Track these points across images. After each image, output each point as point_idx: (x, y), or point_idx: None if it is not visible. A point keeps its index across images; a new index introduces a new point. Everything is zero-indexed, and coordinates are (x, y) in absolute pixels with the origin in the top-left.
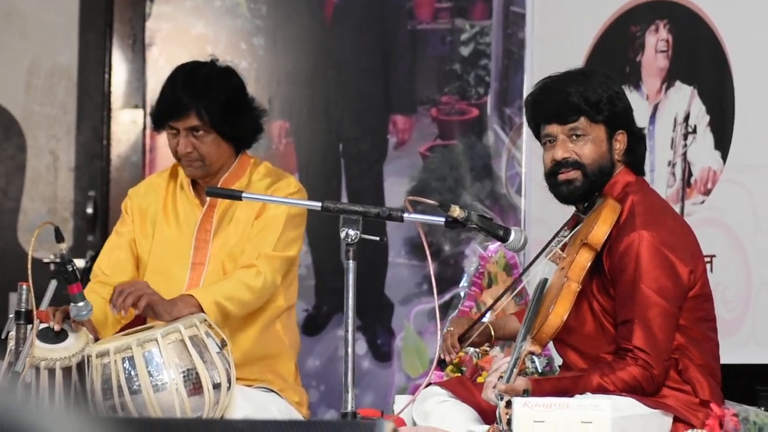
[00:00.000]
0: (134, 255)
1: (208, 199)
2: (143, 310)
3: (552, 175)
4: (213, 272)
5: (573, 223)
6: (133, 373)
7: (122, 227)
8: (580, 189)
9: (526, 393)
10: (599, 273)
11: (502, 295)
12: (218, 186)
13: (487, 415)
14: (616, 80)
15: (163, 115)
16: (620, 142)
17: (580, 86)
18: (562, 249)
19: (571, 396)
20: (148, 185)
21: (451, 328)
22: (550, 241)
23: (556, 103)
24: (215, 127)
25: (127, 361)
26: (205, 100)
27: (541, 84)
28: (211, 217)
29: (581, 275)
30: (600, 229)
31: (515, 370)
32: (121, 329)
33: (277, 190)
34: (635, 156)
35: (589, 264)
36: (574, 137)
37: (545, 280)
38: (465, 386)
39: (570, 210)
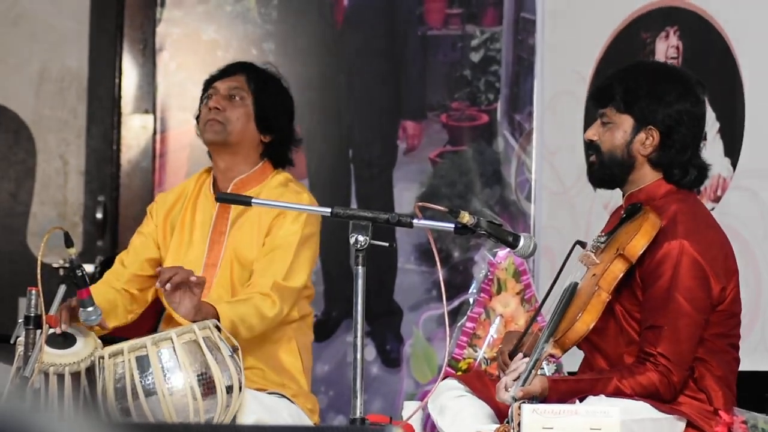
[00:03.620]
0: (155, 252)
1: None
2: (176, 293)
3: (586, 156)
4: (224, 274)
5: (610, 227)
6: (147, 371)
7: (144, 228)
8: (596, 173)
9: (535, 399)
10: (627, 277)
11: (540, 305)
12: (232, 185)
13: (502, 413)
14: (686, 83)
15: (213, 78)
16: (650, 137)
17: (625, 76)
18: (596, 253)
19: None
20: (176, 191)
21: (501, 346)
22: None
23: (598, 86)
24: (255, 94)
25: (141, 360)
26: (259, 73)
27: None
28: (226, 219)
29: (612, 285)
30: (638, 243)
31: (534, 372)
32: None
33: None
34: (664, 158)
35: (622, 275)
36: (603, 123)
37: (575, 284)
38: (482, 381)
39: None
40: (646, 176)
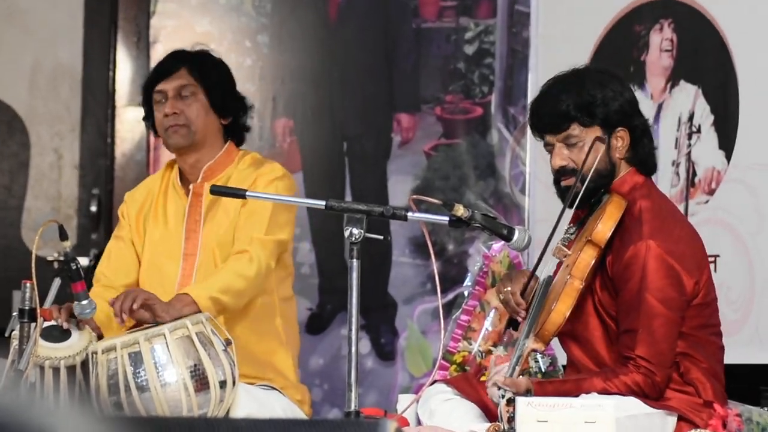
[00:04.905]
0: (136, 257)
1: (190, 187)
2: (140, 312)
3: (556, 182)
4: (205, 262)
5: (578, 219)
6: (140, 367)
7: (120, 231)
8: (583, 194)
9: (529, 393)
10: (602, 271)
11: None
12: (202, 173)
13: (492, 412)
14: (615, 75)
15: (153, 80)
16: (621, 139)
17: (570, 92)
18: (567, 246)
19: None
20: (143, 189)
21: (509, 288)
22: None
23: (547, 113)
24: (205, 84)
25: (134, 356)
26: (197, 61)
27: (538, 93)
28: (200, 207)
29: (585, 273)
30: (604, 226)
31: (518, 368)
32: (128, 330)
33: (260, 177)
34: (639, 151)
35: (594, 261)
36: (569, 144)
37: (549, 278)
38: (470, 383)
39: (571, 211)
40: (621, 173)
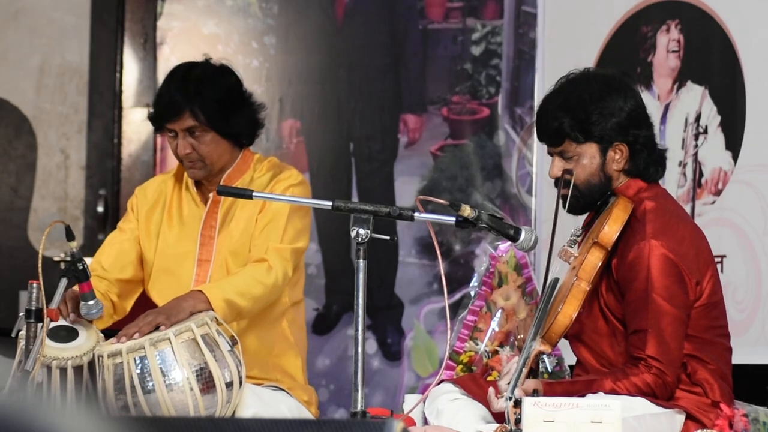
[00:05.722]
0: (137, 252)
1: (210, 195)
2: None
3: (556, 187)
4: (219, 268)
5: (587, 221)
6: (146, 372)
7: (126, 224)
8: (576, 204)
9: (536, 393)
10: (608, 273)
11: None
12: (221, 183)
13: (498, 413)
14: (617, 86)
15: (159, 118)
16: (619, 152)
17: (566, 108)
18: (574, 248)
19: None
20: (155, 186)
21: (521, 336)
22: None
23: (544, 128)
24: (212, 125)
25: (140, 361)
26: (199, 99)
27: (542, 99)
28: (216, 214)
29: (592, 275)
30: (611, 229)
31: (525, 370)
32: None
33: (278, 183)
34: (639, 164)
35: (600, 263)
36: (566, 157)
37: (556, 280)
38: (477, 383)
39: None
40: (620, 183)
